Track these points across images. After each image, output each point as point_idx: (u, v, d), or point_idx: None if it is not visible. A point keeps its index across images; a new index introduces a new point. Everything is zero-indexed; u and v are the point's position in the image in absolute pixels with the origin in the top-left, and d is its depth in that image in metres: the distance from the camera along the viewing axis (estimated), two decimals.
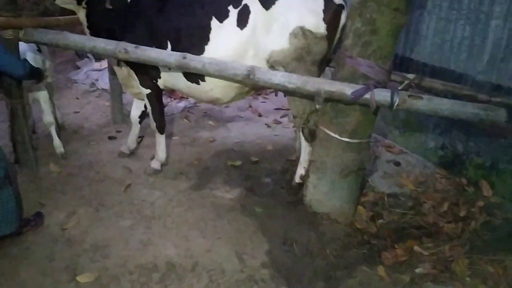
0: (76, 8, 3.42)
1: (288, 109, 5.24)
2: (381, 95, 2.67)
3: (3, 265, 2.76)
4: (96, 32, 3.40)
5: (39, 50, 3.90)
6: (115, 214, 3.28)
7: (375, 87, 2.70)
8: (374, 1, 2.68)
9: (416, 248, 2.95)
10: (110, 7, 3.27)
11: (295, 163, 3.84)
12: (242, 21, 3.17)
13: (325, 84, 2.79)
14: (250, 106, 5.50)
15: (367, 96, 2.70)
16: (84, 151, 4.27)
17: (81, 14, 3.43)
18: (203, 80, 3.35)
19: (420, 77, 3.17)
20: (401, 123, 4.32)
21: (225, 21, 3.20)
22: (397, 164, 3.91)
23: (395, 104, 2.65)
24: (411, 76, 3.11)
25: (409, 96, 2.67)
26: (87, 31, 3.49)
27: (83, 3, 3.31)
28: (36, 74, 3.44)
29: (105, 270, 2.73)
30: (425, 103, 2.65)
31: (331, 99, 2.93)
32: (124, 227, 3.13)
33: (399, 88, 2.78)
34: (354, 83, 2.78)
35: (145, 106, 4.02)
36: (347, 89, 2.72)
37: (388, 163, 3.92)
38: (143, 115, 4.12)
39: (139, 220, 3.22)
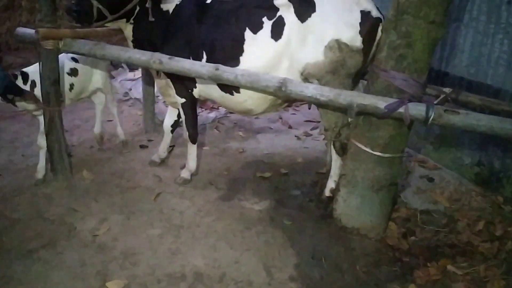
0: (123, 26, 3.51)
1: (319, 122, 5.20)
2: (416, 109, 2.62)
3: (36, 268, 2.82)
4: (140, 45, 3.48)
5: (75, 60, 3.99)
6: (145, 222, 3.31)
7: (410, 101, 2.66)
8: (410, 14, 2.65)
9: (449, 267, 2.86)
10: (153, 19, 3.35)
11: (325, 176, 3.80)
12: (277, 33, 3.17)
13: (357, 97, 2.76)
14: (281, 118, 5.49)
15: (401, 110, 2.65)
16: (117, 159, 4.34)
17: (128, 30, 3.52)
18: (237, 91, 3.37)
19: (456, 91, 3.09)
20: (435, 138, 4.22)
21: (259, 33, 3.22)
22: (431, 180, 3.82)
23: (430, 119, 2.60)
24: (447, 90, 3.04)
25: (445, 110, 2.60)
26: (131, 44, 3.57)
27: (131, 19, 3.39)
28: (14, 90, 3.35)
29: (134, 277, 2.76)
30: (461, 119, 2.58)
31: (364, 113, 2.89)
32: (154, 236, 3.16)
33: (435, 102, 2.72)
34: (388, 96, 2.73)
35: (178, 116, 4.06)
36: (381, 103, 2.69)
37: (421, 179, 3.82)
38: (175, 125, 4.18)
39: (168, 229, 3.24)
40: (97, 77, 4.16)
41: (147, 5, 3.32)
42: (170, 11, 3.45)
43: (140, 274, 2.79)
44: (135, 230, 3.22)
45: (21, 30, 3.34)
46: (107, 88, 4.32)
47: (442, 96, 3.01)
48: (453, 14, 3.91)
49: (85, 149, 4.60)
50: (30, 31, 3.27)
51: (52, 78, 3.38)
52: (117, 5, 3.24)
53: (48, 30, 3.13)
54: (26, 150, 4.46)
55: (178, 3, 3.47)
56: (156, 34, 3.45)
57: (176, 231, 3.22)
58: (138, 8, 3.34)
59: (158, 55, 3.10)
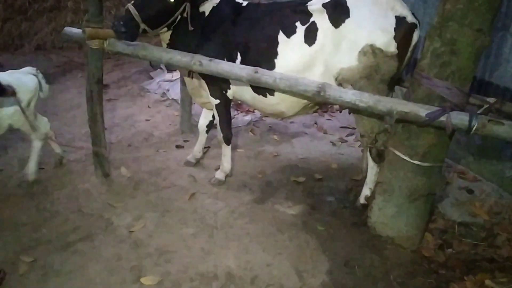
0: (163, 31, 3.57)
1: (354, 128, 5.16)
2: (459, 118, 2.56)
3: (74, 260, 2.91)
4: (175, 47, 3.53)
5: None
6: (179, 221, 3.36)
7: (452, 109, 2.60)
8: (455, 21, 2.59)
9: (487, 282, 2.77)
10: (192, 28, 3.42)
11: (360, 183, 3.76)
12: (310, 38, 3.19)
13: (398, 104, 2.72)
14: (316, 123, 5.46)
15: (442, 118, 2.59)
16: (153, 158, 4.42)
17: (166, 36, 3.57)
18: (271, 94, 3.39)
19: (500, 101, 3.00)
20: (476, 149, 4.10)
21: (293, 37, 3.24)
22: (470, 191, 3.71)
23: (473, 129, 2.53)
24: (491, 100, 2.95)
25: (489, 121, 2.53)
26: (165, 46, 3.63)
27: (172, 27, 3.47)
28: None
29: (168, 274, 2.81)
30: (506, 129, 2.50)
31: (403, 120, 2.84)
32: (187, 235, 3.20)
33: (478, 112, 2.65)
34: (430, 104, 2.68)
35: (213, 116, 4.12)
36: (422, 111, 2.63)
37: (460, 190, 3.72)
38: (210, 125, 4.23)
39: (202, 229, 3.28)
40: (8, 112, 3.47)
41: (185, 14, 3.38)
42: (207, 13, 3.51)
43: (174, 272, 2.84)
44: (169, 228, 3.27)
45: (69, 29, 3.45)
46: (22, 124, 3.60)
47: (485, 105, 2.93)
48: (499, 22, 3.80)
49: (123, 147, 4.71)
50: (77, 30, 3.38)
51: (96, 77, 3.48)
52: (159, 23, 3.33)
53: (94, 30, 3.23)
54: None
55: (215, 5, 3.51)
56: (192, 35, 3.49)
57: (210, 231, 3.25)
58: (179, 17, 3.40)
59: (198, 57, 3.14)
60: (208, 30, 3.49)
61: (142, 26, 3.20)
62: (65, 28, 3.52)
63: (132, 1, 3.23)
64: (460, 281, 2.80)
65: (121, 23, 3.12)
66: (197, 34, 3.49)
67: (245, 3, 3.57)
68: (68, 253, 2.98)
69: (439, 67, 2.70)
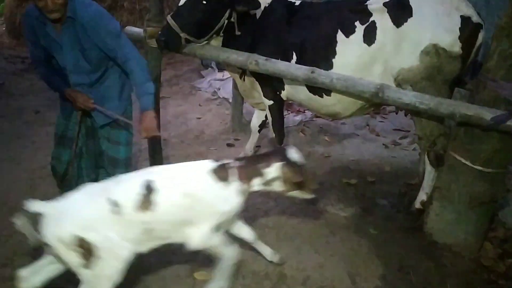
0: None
1: (408, 131, 5.04)
2: None
3: None
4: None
5: None
6: None
7: None
8: None
9: None
10: (239, 33, 3.43)
11: (414, 187, 3.67)
12: (370, 38, 3.13)
13: (461, 107, 2.63)
14: (368, 125, 5.36)
15: (509, 123, 2.49)
16: (205, 155, 4.49)
17: (217, 43, 3.56)
18: (328, 94, 3.34)
19: None
20: None
21: (352, 36, 3.19)
22: None
23: None
24: None
25: None
26: None
27: (221, 33, 3.50)
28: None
29: None
30: None
31: (466, 124, 2.74)
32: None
33: None
34: (495, 108, 2.58)
35: (265, 116, 4.12)
36: (487, 114, 2.54)
37: None
38: (262, 125, 4.24)
39: (253, 228, 3.28)
40: None
41: (232, 19, 3.38)
42: (258, 15, 3.48)
43: None
44: None
45: (130, 28, 3.58)
46: None
47: None
48: None
49: (175, 144, 4.82)
50: (138, 30, 3.50)
51: (154, 75, 3.57)
52: (204, 31, 3.33)
53: (155, 30, 3.32)
54: None
55: (266, 5, 3.49)
56: (243, 39, 3.48)
57: (262, 230, 3.26)
58: (226, 22, 3.39)
59: (255, 56, 3.16)
60: (261, 32, 3.47)
61: (183, 35, 3.23)
62: (126, 27, 3.65)
63: (172, 12, 3.28)
64: None
65: (160, 33, 3.20)
66: (249, 37, 3.48)
67: (298, 2, 3.52)
68: None
69: (507, 69, 2.59)
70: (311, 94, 3.47)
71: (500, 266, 2.94)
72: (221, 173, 2.37)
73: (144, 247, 2.34)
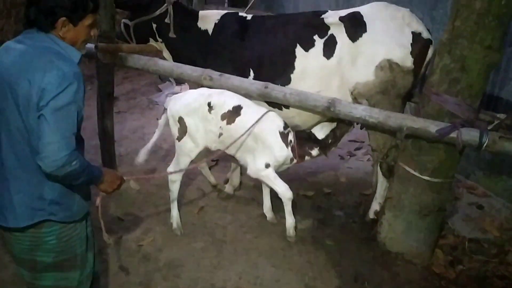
0: (158, 45, 3.67)
1: (363, 142, 5.15)
2: (469, 135, 2.56)
3: None
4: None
5: None
6: (188, 235, 3.37)
7: (462, 126, 2.60)
8: (465, 38, 2.60)
9: None
10: (174, 36, 3.46)
11: (369, 197, 3.75)
12: (329, 52, 3.18)
13: (407, 120, 2.73)
14: None
15: (453, 135, 2.59)
16: (162, 170, 4.43)
17: (163, 50, 3.65)
18: (286, 107, 3.34)
19: (511, 117, 2.99)
20: (485, 164, 4.08)
21: (311, 50, 3.22)
22: (480, 207, 3.69)
23: (484, 145, 2.53)
24: (501, 116, 2.94)
25: (499, 137, 2.53)
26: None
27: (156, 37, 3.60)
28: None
29: None
30: None
31: (413, 136, 2.84)
32: (196, 249, 3.21)
33: (489, 128, 2.64)
34: (439, 120, 2.68)
35: None
36: (432, 127, 2.64)
37: (470, 206, 3.70)
38: None
39: (211, 243, 3.28)
40: None
41: (166, 20, 3.44)
42: (210, 31, 3.50)
43: (182, 287, 2.83)
44: (178, 242, 3.28)
45: None
46: None
47: (496, 122, 2.92)
48: (508, 38, 3.80)
49: (132, 160, 4.68)
50: (89, 45, 3.42)
51: (107, 91, 3.52)
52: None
53: (106, 45, 3.28)
54: None
55: (216, 22, 3.51)
56: (197, 54, 3.51)
57: (219, 245, 3.25)
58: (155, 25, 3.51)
59: (209, 72, 3.17)
60: (214, 49, 3.47)
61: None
62: None
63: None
64: None
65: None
66: (203, 53, 3.49)
67: (249, 17, 3.53)
68: None
69: (449, 83, 2.71)
70: (270, 107, 3.49)
71: (450, 272, 3.05)
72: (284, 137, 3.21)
73: (214, 147, 3.26)
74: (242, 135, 3.08)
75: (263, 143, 3.17)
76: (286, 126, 3.24)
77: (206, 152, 3.35)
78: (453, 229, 3.44)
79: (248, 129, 3.08)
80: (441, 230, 3.28)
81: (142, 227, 3.44)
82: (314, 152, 3.33)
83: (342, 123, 3.27)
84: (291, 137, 3.24)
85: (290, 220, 3.33)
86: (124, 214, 3.60)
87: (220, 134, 3.18)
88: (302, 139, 3.30)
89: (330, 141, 3.33)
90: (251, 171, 3.26)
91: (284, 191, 3.26)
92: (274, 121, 3.21)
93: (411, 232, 3.08)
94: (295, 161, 3.32)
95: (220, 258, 3.11)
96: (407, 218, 3.06)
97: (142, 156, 3.49)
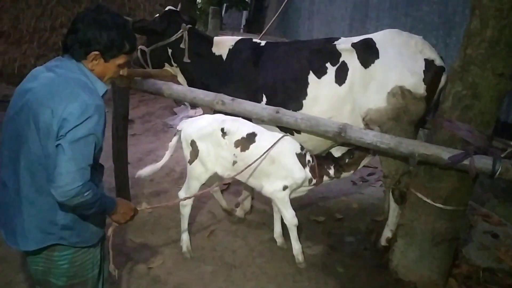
0: (173, 70, 3.78)
1: (376, 167, 5.11)
2: (482, 162, 2.54)
3: None
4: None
5: None
6: (198, 258, 3.36)
7: (475, 153, 2.58)
8: (477, 65, 2.61)
9: None
10: (189, 60, 3.55)
11: (381, 224, 3.70)
12: (341, 78, 3.20)
13: (419, 147, 2.72)
14: None
15: (465, 162, 2.57)
16: (174, 193, 4.44)
17: (178, 75, 3.77)
18: (298, 132, 3.35)
19: None
20: (501, 191, 4.02)
21: (324, 77, 3.25)
22: (495, 236, 3.61)
23: (497, 173, 2.50)
24: None
25: None
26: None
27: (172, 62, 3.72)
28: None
29: None
30: None
31: (426, 162, 2.82)
32: (206, 273, 3.19)
33: (502, 155, 2.62)
34: (452, 147, 2.67)
35: None
36: (444, 154, 2.62)
37: (485, 235, 3.63)
38: None
39: (220, 267, 3.26)
40: None
41: (181, 45, 3.55)
42: (224, 57, 3.57)
43: None
44: (188, 266, 3.27)
45: None
46: None
47: (509, 149, 2.88)
48: None
49: (145, 182, 4.76)
50: None
51: (122, 114, 3.58)
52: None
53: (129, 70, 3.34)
54: None
55: (230, 47, 3.58)
56: (211, 78, 3.58)
57: (228, 269, 3.23)
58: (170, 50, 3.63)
59: (221, 96, 3.21)
60: (228, 74, 3.53)
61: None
62: None
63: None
64: None
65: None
66: (216, 79, 3.56)
67: (263, 43, 3.60)
68: None
69: (461, 110, 2.70)
70: (283, 132, 3.51)
71: None
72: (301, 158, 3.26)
73: (226, 175, 3.28)
74: (258, 159, 3.09)
75: (280, 166, 3.20)
76: (302, 147, 3.28)
77: (218, 176, 3.37)
78: (467, 258, 3.36)
79: (264, 154, 3.09)
80: (455, 259, 3.22)
81: (152, 249, 3.45)
82: (332, 171, 3.36)
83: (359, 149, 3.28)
84: (308, 157, 3.29)
85: (296, 246, 3.33)
86: (134, 236, 3.61)
87: (235, 162, 3.20)
88: (320, 159, 3.36)
89: (347, 160, 3.35)
90: (267, 191, 3.27)
91: (291, 218, 3.29)
92: (290, 143, 3.26)
93: (423, 260, 3.02)
94: (314, 181, 3.33)
95: (229, 283, 3.08)
96: (419, 246, 3.01)
97: (145, 171, 3.51)
